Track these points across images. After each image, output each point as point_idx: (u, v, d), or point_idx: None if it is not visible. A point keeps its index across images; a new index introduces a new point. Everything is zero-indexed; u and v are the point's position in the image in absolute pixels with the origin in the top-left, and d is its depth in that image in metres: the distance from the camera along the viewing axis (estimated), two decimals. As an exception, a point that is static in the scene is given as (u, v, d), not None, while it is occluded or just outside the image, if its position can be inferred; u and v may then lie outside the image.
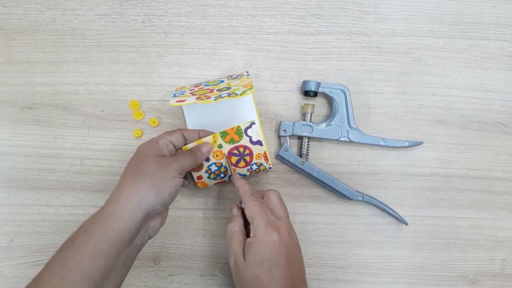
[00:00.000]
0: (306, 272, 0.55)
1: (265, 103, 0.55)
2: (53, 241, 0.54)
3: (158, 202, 0.41)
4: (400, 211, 0.54)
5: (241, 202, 0.47)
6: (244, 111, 0.52)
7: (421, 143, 0.54)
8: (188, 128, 0.53)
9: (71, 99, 0.55)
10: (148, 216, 0.41)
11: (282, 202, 0.46)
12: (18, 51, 0.55)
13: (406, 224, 0.54)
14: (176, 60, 0.54)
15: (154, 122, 0.54)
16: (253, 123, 0.49)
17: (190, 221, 0.55)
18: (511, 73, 0.55)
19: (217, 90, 0.48)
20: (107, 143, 0.54)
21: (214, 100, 0.44)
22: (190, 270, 0.55)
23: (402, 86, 0.55)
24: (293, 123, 0.53)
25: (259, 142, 0.49)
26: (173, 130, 0.47)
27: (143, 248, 0.54)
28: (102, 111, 0.54)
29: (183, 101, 0.45)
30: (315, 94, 0.53)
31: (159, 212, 0.44)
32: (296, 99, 0.55)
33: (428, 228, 0.55)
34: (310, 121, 0.53)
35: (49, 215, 0.54)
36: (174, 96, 0.49)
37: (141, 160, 0.42)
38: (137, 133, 0.54)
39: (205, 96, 0.46)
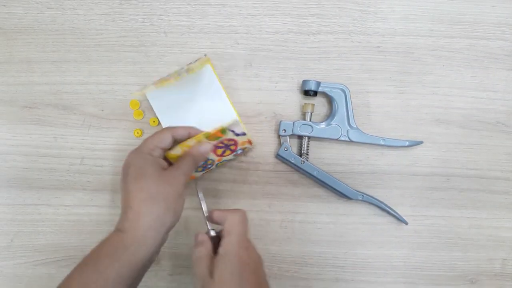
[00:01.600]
0: (307, 271, 0.55)
1: (265, 103, 0.55)
2: (53, 241, 0.54)
3: (175, 221, 0.42)
4: (400, 211, 0.54)
5: (209, 229, 0.44)
6: (218, 105, 0.52)
7: (421, 142, 0.54)
8: (157, 112, 0.52)
9: (71, 99, 0.55)
10: (165, 237, 0.42)
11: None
12: (18, 50, 0.55)
13: (406, 223, 0.54)
14: (176, 60, 0.54)
15: (154, 121, 0.54)
16: (235, 121, 0.46)
17: (190, 221, 0.55)
18: (511, 73, 0.55)
19: (177, 74, 0.48)
20: (107, 142, 0.54)
21: (174, 79, 0.45)
22: (190, 270, 0.55)
23: (402, 86, 0.55)
24: (293, 122, 0.53)
25: (243, 134, 0.48)
26: (161, 132, 0.45)
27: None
28: (102, 110, 0.54)
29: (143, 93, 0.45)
30: (315, 93, 0.53)
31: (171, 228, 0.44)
32: (296, 99, 0.55)
33: (428, 228, 0.55)
34: (310, 120, 0.53)
35: (49, 215, 0.54)
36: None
37: (147, 180, 0.41)
38: (137, 133, 0.54)
39: (164, 80, 0.46)
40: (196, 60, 0.53)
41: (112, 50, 0.54)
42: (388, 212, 0.54)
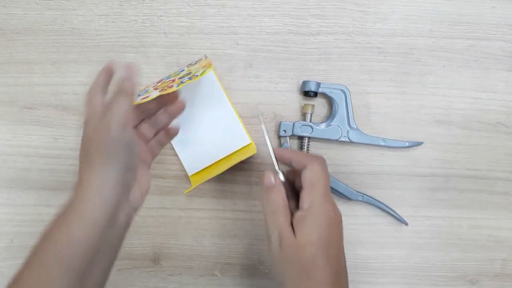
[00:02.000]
0: (306, 272, 0.55)
1: (265, 103, 0.55)
2: (53, 241, 0.54)
3: (122, 170, 0.36)
4: (400, 211, 0.54)
5: (278, 171, 0.40)
6: (221, 112, 0.53)
7: (421, 143, 0.54)
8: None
9: (71, 99, 0.55)
10: (122, 189, 0.37)
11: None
12: (18, 51, 0.55)
13: (406, 224, 0.54)
14: (176, 60, 0.54)
15: None
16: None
17: (190, 221, 0.55)
18: (511, 73, 0.55)
19: (179, 78, 0.47)
20: (107, 143, 0.54)
21: (177, 87, 0.43)
22: (190, 270, 0.55)
23: (402, 86, 0.55)
24: (293, 123, 0.53)
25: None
26: (98, 73, 0.40)
27: (143, 248, 0.55)
28: (102, 111, 0.54)
29: (147, 97, 0.43)
30: (315, 94, 0.53)
31: (132, 179, 0.39)
32: (296, 99, 0.55)
33: (428, 228, 0.55)
34: (310, 121, 0.53)
35: (49, 215, 0.53)
36: (139, 96, 0.46)
37: (84, 140, 0.38)
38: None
39: (167, 87, 0.44)
40: (196, 62, 0.52)
41: (112, 51, 0.54)
42: (388, 213, 0.54)
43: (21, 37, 0.54)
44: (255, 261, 0.55)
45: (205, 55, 0.54)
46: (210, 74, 0.52)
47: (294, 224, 0.36)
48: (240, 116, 0.54)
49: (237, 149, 0.53)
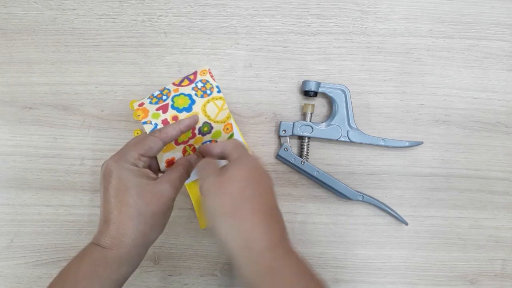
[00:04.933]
0: (306, 272, 0.55)
1: (265, 103, 0.55)
2: (53, 241, 0.54)
3: (160, 233, 0.41)
4: (400, 212, 0.54)
5: None
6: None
7: (421, 143, 0.54)
8: None
9: (71, 99, 0.55)
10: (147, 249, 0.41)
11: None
12: (18, 51, 0.55)
13: (406, 224, 0.54)
14: (176, 60, 0.54)
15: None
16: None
17: (190, 221, 0.55)
18: (511, 73, 0.55)
19: (199, 131, 0.46)
20: (107, 143, 0.54)
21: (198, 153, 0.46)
22: (190, 270, 0.55)
23: (402, 86, 0.55)
24: (293, 123, 0.53)
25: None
26: (149, 141, 0.40)
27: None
28: (102, 111, 0.54)
29: (171, 161, 0.45)
30: (315, 94, 0.53)
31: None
32: (296, 99, 0.55)
33: (428, 228, 0.55)
34: (310, 121, 0.53)
35: (49, 215, 0.54)
36: (154, 96, 0.46)
37: (132, 194, 0.37)
38: (137, 133, 0.54)
39: (189, 146, 0.46)
40: (205, 86, 0.48)
41: (112, 50, 0.54)
42: (388, 213, 0.54)
43: (21, 37, 0.54)
44: (255, 261, 0.55)
45: (209, 72, 0.49)
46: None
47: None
48: (241, 116, 0.54)
49: None
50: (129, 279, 0.55)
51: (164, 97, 0.46)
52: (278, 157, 0.54)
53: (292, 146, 0.54)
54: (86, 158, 0.54)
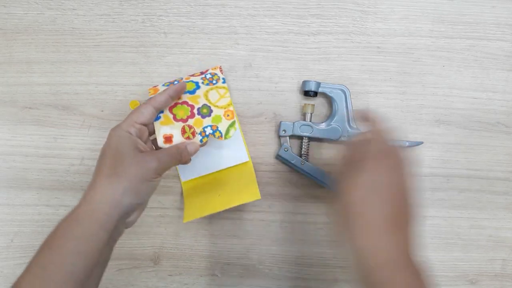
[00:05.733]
0: (307, 272, 0.55)
1: (265, 103, 0.55)
2: (53, 241, 0.54)
3: (135, 203, 0.40)
4: (400, 211, 0.54)
5: None
6: (232, 144, 0.53)
7: (421, 143, 0.54)
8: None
9: (71, 99, 0.55)
10: (125, 214, 0.40)
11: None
12: (18, 51, 0.55)
13: (406, 224, 0.54)
14: (176, 60, 0.54)
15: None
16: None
17: (190, 221, 0.54)
18: (511, 73, 0.55)
19: (198, 111, 0.46)
20: (107, 143, 0.54)
21: (201, 142, 0.46)
22: (190, 270, 0.55)
23: (402, 86, 0.55)
24: (293, 123, 0.53)
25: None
26: (142, 108, 0.42)
27: (143, 248, 0.55)
28: (102, 111, 0.54)
29: (169, 137, 0.45)
30: (315, 94, 0.53)
31: (135, 209, 0.42)
32: (296, 99, 0.55)
33: (428, 229, 0.55)
34: (310, 121, 0.53)
35: (49, 215, 0.54)
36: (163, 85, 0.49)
37: (116, 158, 0.40)
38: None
39: (188, 127, 0.46)
40: (212, 78, 0.51)
41: (112, 50, 0.54)
42: (388, 213, 0.54)
43: (21, 37, 0.54)
44: (255, 261, 0.55)
45: (220, 68, 0.53)
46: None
47: None
48: (241, 116, 0.54)
49: (234, 164, 0.53)
50: (129, 278, 0.55)
51: (175, 82, 0.49)
52: (278, 157, 0.54)
53: (292, 146, 0.54)
54: (86, 158, 0.54)
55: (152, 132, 0.44)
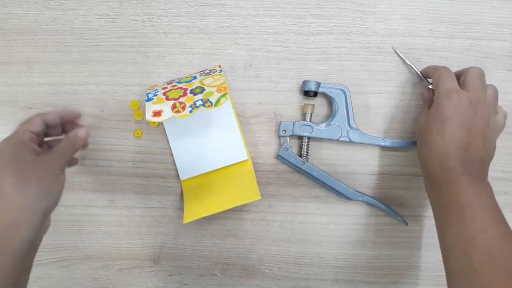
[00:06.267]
0: (306, 272, 0.55)
1: (265, 103, 0.55)
2: (53, 241, 0.54)
3: (52, 203, 0.40)
4: (400, 212, 0.54)
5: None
6: (222, 115, 0.53)
7: (421, 143, 0.54)
8: (170, 137, 0.53)
9: (71, 99, 0.55)
10: (45, 218, 0.40)
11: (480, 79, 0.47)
12: (18, 51, 0.55)
13: (406, 224, 0.54)
14: (176, 60, 0.54)
15: (154, 122, 0.54)
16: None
17: (190, 221, 0.55)
18: (511, 74, 0.55)
19: (190, 91, 0.47)
20: (107, 143, 0.54)
21: (190, 112, 0.44)
22: (190, 270, 0.55)
23: (402, 86, 0.55)
24: (293, 123, 0.53)
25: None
26: (31, 118, 0.43)
27: (143, 248, 0.55)
28: (102, 111, 0.54)
29: (159, 112, 0.44)
30: (315, 94, 0.53)
31: (51, 210, 0.42)
32: (296, 99, 0.55)
33: (428, 228, 0.55)
34: (310, 121, 0.53)
35: (49, 215, 0.54)
36: (148, 98, 0.47)
37: (18, 165, 0.38)
38: (137, 133, 0.54)
39: (179, 103, 0.45)
40: (210, 72, 0.52)
41: (112, 50, 0.54)
42: (388, 213, 0.54)
43: (21, 37, 0.54)
44: (255, 261, 0.55)
45: (219, 66, 0.53)
46: (227, 102, 0.52)
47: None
48: (241, 116, 0.54)
49: (233, 163, 0.53)
50: (129, 278, 0.55)
51: (175, 81, 0.51)
52: (278, 157, 0.54)
53: (292, 146, 0.54)
54: (86, 158, 0.54)
55: (42, 143, 0.45)
